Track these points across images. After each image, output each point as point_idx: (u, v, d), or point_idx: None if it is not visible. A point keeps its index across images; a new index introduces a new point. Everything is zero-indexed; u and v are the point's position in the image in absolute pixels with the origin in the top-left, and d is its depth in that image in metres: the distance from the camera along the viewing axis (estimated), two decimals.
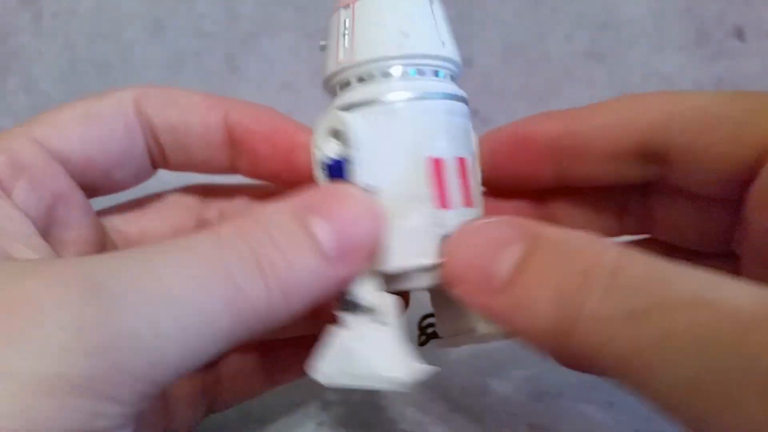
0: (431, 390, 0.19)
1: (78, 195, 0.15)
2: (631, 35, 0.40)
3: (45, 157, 0.14)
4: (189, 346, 0.10)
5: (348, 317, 0.12)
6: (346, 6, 0.14)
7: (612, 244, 0.11)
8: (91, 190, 0.15)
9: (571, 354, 0.11)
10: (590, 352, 0.10)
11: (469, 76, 0.45)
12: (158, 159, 0.16)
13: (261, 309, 0.11)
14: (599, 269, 0.10)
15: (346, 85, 0.13)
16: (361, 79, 0.13)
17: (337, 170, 0.12)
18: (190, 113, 0.15)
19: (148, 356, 0.10)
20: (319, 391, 0.19)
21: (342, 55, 0.13)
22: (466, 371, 0.20)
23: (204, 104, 0.16)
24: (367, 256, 0.12)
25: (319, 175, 0.13)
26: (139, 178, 0.16)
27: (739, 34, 0.39)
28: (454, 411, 0.18)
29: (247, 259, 0.11)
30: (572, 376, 0.20)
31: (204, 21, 0.43)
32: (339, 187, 0.12)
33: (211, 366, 0.16)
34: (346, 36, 0.13)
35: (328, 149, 0.12)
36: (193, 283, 0.10)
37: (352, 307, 0.12)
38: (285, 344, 0.16)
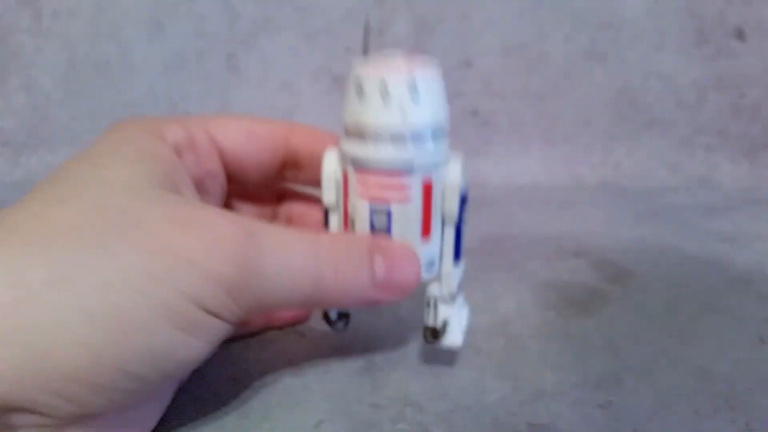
0: (430, 389, 0.19)
1: (221, 177, 0.20)
2: (630, 35, 0.40)
3: (210, 143, 0.19)
4: (286, 292, 0.16)
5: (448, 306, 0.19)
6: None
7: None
8: (228, 178, 0.20)
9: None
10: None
11: (468, 76, 0.45)
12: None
13: (327, 292, 0.16)
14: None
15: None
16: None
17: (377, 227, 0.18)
18: (311, 145, 0.20)
19: (264, 288, 0.15)
20: (318, 391, 0.19)
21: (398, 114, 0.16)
22: (465, 370, 0.20)
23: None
24: (404, 292, 0.17)
25: (363, 224, 0.18)
26: (257, 184, 0.21)
27: (739, 34, 0.39)
28: (453, 410, 0.18)
29: (330, 261, 0.16)
30: (572, 375, 0.20)
31: (204, 21, 0.43)
32: (396, 243, 0.17)
33: None
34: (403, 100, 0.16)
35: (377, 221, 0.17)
36: (299, 258, 0.16)
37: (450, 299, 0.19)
38: None
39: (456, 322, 0.19)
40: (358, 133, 0.16)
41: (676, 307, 0.24)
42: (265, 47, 0.43)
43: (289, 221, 0.22)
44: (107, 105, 0.45)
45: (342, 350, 0.21)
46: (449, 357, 0.20)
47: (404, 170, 0.16)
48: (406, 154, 0.16)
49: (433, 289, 0.19)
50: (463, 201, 0.17)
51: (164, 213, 0.14)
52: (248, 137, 0.20)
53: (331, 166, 0.18)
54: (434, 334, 0.18)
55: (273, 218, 0.22)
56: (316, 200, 0.21)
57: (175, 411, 0.17)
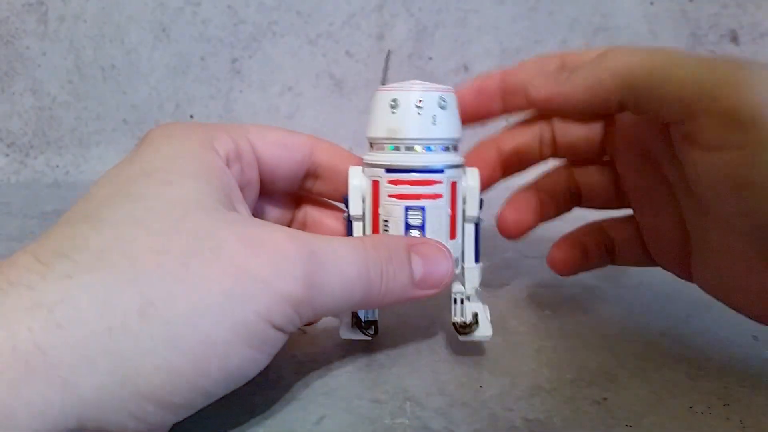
0: (429, 385, 0.19)
1: (257, 185, 0.21)
2: (625, 39, 0.40)
3: (251, 152, 0.20)
4: (341, 301, 0.17)
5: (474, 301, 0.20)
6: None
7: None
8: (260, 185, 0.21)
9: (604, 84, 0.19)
10: (618, 77, 0.18)
11: (466, 80, 0.45)
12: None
13: (373, 296, 0.17)
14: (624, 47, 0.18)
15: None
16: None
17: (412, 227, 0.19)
18: (334, 160, 0.21)
19: (324, 300, 0.16)
20: (320, 387, 0.19)
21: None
22: (463, 366, 0.20)
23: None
24: (439, 287, 0.19)
25: (398, 226, 0.19)
26: (282, 191, 0.22)
27: (734, 37, 0.39)
28: (452, 405, 0.18)
29: (377, 266, 0.17)
30: (567, 372, 0.20)
31: (208, 26, 0.44)
32: (430, 240, 0.19)
33: None
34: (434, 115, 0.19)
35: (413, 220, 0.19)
36: (354, 267, 0.17)
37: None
38: None
39: (483, 315, 0.20)
40: (392, 142, 0.19)
41: (670, 304, 0.25)
42: (268, 51, 0.44)
43: (304, 225, 0.23)
44: (112, 107, 0.45)
45: (343, 347, 0.21)
46: (479, 348, 0.21)
47: (436, 170, 0.19)
48: (437, 157, 0.19)
49: (457, 286, 0.20)
50: (481, 203, 0.20)
51: (236, 235, 0.15)
52: (283, 148, 0.21)
53: (356, 180, 0.20)
54: (466, 327, 0.20)
55: (291, 222, 0.23)
56: (330, 206, 0.23)
57: None
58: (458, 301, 0.20)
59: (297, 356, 0.21)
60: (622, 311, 0.24)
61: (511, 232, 0.22)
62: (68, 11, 0.44)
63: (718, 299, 0.20)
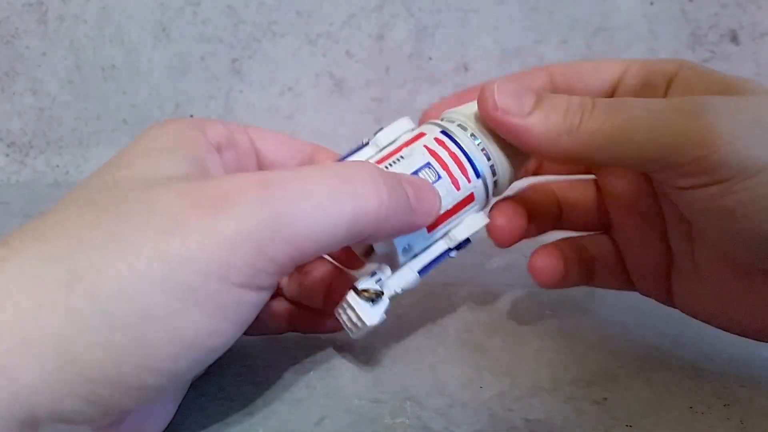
0: (430, 385, 0.19)
1: None
2: (625, 39, 0.40)
3: (249, 144, 0.19)
4: (324, 225, 0.14)
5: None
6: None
7: (584, 96, 0.17)
8: None
9: (564, 150, 0.17)
10: (581, 145, 0.16)
11: (465, 80, 0.45)
12: None
13: (372, 211, 0.15)
14: (587, 103, 0.17)
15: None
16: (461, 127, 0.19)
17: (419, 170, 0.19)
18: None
19: (297, 228, 0.14)
20: (320, 387, 0.19)
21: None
22: (463, 366, 0.20)
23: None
24: (432, 216, 0.17)
25: (407, 166, 0.18)
26: None
27: (734, 37, 0.39)
28: (452, 405, 0.18)
29: (367, 180, 0.15)
30: (567, 372, 0.20)
31: (208, 26, 0.44)
32: (420, 178, 0.18)
33: None
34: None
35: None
36: (329, 181, 0.15)
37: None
38: (308, 308, 0.21)
39: (382, 304, 0.18)
40: (465, 125, 0.19)
41: None
42: (268, 51, 0.44)
43: None
44: (112, 107, 0.45)
45: (343, 347, 0.21)
46: (479, 348, 0.21)
47: (475, 167, 0.19)
48: (484, 162, 0.19)
49: (386, 269, 0.18)
50: (466, 242, 0.19)
51: (176, 191, 0.14)
52: (282, 144, 0.20)
53: (407, 123, 0.20)
54: (366, 292, 0.18)
55: None
56: None
57: (179, 407, 0.17)
58: (375, 274, 0.18)
59: (297, 356, 0.21)
60: (622, 311, 0.24)
61: (504, 240, 0.20)
62: (68, 11, 0.44)
63: (704, 321, 0.19)
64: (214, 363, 0.19)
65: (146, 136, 0.17)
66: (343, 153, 0.20)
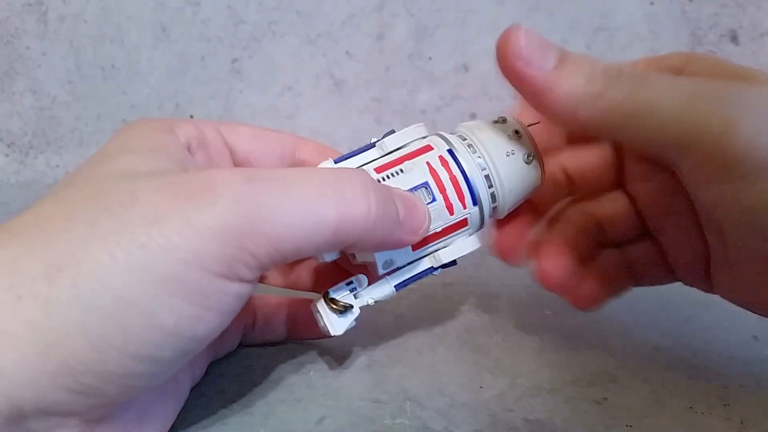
0: (430, 385, 0.19)
1: None
2: (625, 39, 0.40)
3: (222, 143, 0.19)
4: (307, 228, 0.14)
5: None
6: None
7: (608, 63, 0.16)
8: None
9: (581, 118, 0.16)
10: (600, 116, 0.16)
11: (466, 81, 0.45)
12: None
13: (359, 220, 0.15)
14: (612, 70, 0.16)
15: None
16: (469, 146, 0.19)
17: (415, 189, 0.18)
18: (319, 159, 0.20)
19: (279, 226, 0.14)
20: (320, 387, 0.19)
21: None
22: (463, 366, 0.20)
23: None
24: (419, 234, 0.17)
25: (401, 182, 0.18)
26: None
27: (734, 37, 0.39)
28: (452, 405, 0.18)
29: (357, 189, 0.15)
30: (567, 372, 0.20)
31: (208, 26, 0.44)
32: (413, 195, 0.18)
33: (250, 307, 0.21)
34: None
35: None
36: (315, 182, 0.15)
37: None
38: (307, 312, 0.20)
39: (350, 317, 0.18)
40: (471, 144, 0.19)
41: (670, 304, 0.25)
42: (268, 51, 0.44)
43: None
44: (112, 107, 0.45)
45: (343, 347, 0.21)
46: (479, 348, 0.21)
47: (474, 194, 0.18)
48: (486, 192, 0.18)
49: (362, 277, 0.19)
50: (452, 263, 0.19)
51: (156, 184, 0.14)
52: (257, 139, 0.20)
53: (419, 130, 0.19)
54: (336, 303, 0.18)
55: None
56: None
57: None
58: (351, 284, 0.18)
59: (297, 356, 0.21)
60: (622, 311, 0.24)
61: (553, 286, 0.20)
62: (68, 11, 0.44)
63: (743, 308, 0.19)
64: (214, 363, 0.20)
65: (122, 136, 0.17)
66: (349, 151, 0.20)
